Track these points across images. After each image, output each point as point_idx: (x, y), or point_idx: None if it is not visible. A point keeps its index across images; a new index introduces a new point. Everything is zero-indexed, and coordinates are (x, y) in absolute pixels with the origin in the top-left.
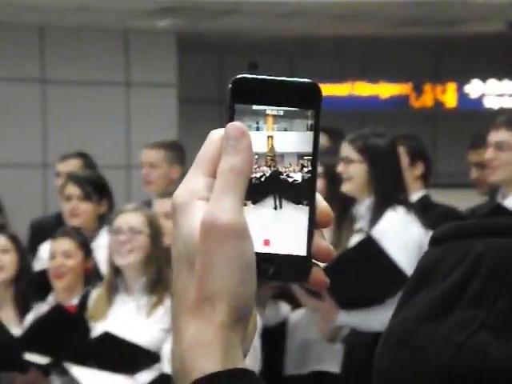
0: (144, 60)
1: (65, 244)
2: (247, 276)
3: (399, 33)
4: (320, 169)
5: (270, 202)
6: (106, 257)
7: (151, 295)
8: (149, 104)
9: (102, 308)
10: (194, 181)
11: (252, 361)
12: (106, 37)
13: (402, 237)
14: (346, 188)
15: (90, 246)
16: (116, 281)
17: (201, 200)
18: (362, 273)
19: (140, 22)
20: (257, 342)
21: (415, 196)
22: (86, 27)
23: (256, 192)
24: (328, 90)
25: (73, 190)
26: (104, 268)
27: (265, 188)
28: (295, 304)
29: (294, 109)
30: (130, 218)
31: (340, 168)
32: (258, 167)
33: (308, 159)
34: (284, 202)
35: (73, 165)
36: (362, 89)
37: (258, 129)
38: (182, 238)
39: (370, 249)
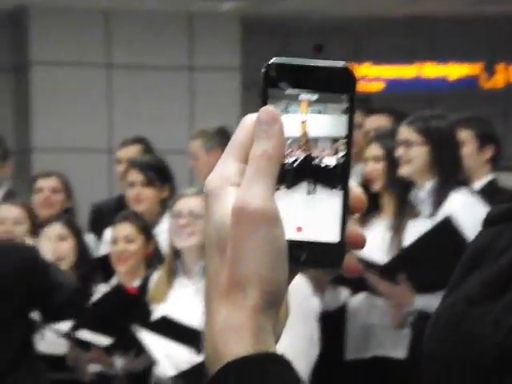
0: (208, 44)
1: (126, 229)
2: (278, 261)
3: (474, 11)
4: (380, 152)
5: (303, 187)
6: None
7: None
8: (212, 88)
9: (162, 291)
10: (226, 166)
11: (309, 345)
12: (170, 21)
13: (470, 218)
14: (405, 171)
15: (150, 230)
16: (176, 264)
17: (232, 186)
18: (440, 255)
19: (204, 5)
20: (315, 327)
21: (483, 180)
22: (151, 12)
23: (289, 177)
24: (395, 71)
25: (136, 176)
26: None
27: (298, 173)
28: (355, 288)
29: (328, 93)
30: (190, 202)
31: (399, 151)
32: (291, 152)
33: (342, 143)
34: (317, 188)
35: (133, 150)
36: (430, 70)
37: (291, 113)
38: (214, 224)
39: (448, 231)
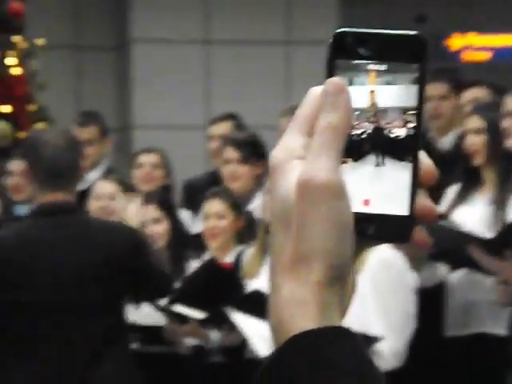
0: (305, 17)
1: (216, 205)
2: (344, 235)
3: None
4: (481, 124)
5: (371, 159)
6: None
7: None
8: (310, 63)
9: (255, 267)
10: (291, 140)
11: (405, 320)
12: None
13: None
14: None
15: (241, 206)
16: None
17: (297, 159)
18: None
19: None
20: (411, 301)
21: None
22: None
23: (357, 149)
24: (503, 40)
25: (231, 153)
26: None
27: (366, 145)
28: (454, 265)
29: (398, 62)
30: None
31: (506, 123)
32: (359, 123)
33: (412, 114)
34: (386, 159)
35: (224, 127)
36: None
37: (359, 84)
38: (279, 198)
39: None
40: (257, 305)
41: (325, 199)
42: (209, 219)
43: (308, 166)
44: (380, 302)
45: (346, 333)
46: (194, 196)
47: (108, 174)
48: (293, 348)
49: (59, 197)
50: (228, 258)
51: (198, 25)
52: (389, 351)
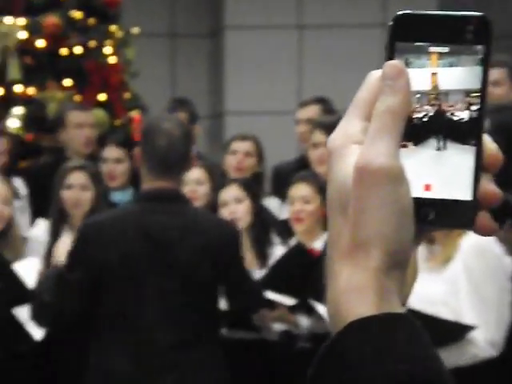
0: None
1: (303, 189)
2: (403, 221)
3: None
4: None
5: (432, 143)
6: None
7: None
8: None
9: None
10: (350, 124)
11: (500, 308)
12: None
13: None
14: None
15: None
16: None
17: (356, 144)
18: None
19: None
20: (506, 289)
21: None
22: None
23: (418, 133)
24: None
25: (320, 137)
26: None
27: (427, 128)
28: None
29: (461, 44)
30: None
31: None
32: (421, 106)
33: (476, 96)
34: (448, 143)
35: (312, 111)
36: None
37: (420, 67)
38: (336, 183)
39: None
40: None
41: (383, 184)
42: (295, 203)
43: (366, 151)
44: (475, 290)
45: (405, 320)
46: (282, 182)
47: (198, 159)
48: (350, 335)
49: (167, 185)
50: (315, 244)
51: (291, 10)
52: (484, 340)
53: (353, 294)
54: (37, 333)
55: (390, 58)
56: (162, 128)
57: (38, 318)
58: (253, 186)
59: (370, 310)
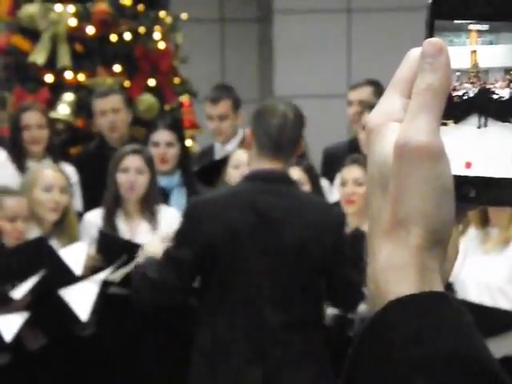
0: None
1: (355, 172)
2: (443, 199)
3: None
4: None
5: (473, 120)
6: None
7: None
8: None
9: None
10: (389, 102)
11: None
12: None
13: None
14: None
15: None
16: None
17: (395, 122)
18: None
19: None
20: None
21: None
22: None
23: (458, 111)
24: None
25: None
26: None
27: (468, 106)
28: None
29: (502, 21)
30: None
31: None
32: (460, 84)
33: None
34: (489, 121)
35: (364, 93)
36: None
37: (460, 45)
38: (376, 161)
39: None
40: None
41: (424, 162)
42: (347, 185)
43: (406, 128)
44: None
45: (446, 298)
46: (333, 164)
47: (244, 143)
48: (391, 314)
49: (276, 166)
50: (366, 227)
51: None
52: None
53: (393, 272)
54: (83, 314)
55: (430, 36)
56: (277, 110)
57: (141, 293)
58: (313, 170)
59: (411, 289)
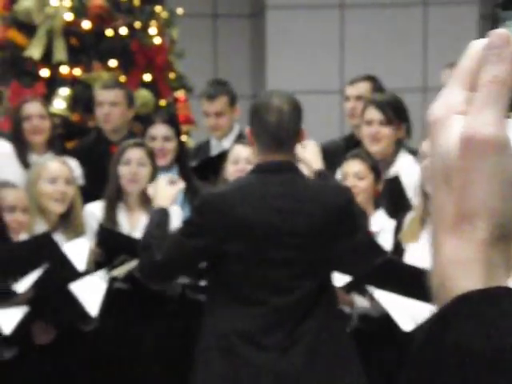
0: None
1: (356, 166)
2: (510, 192)
3: None
4: None
5: None
6: (410, 182)
7: None
8: (447, 23)
9: (415, 231)
10: (452, 94)
11: None
12: None
13: None
14: None
15: (380, 170)
16: (428, 206)
17: (459, 114)
18: None
19: None
20: None
21: None
22: None
23: None
24: None
25: (374, 114)
26: (409, 193)
27: None
28: None
29: None
30: None
31: None
32: None
33: None
34: None
35: (362, 88)
36: None
37: None
38: (439, 154)
39: None
40: (390, 275)
41: (490, 154)
42: (348, 179)
43: (472, 121)
44: None
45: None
46: (330, 160)
47: (240, 138)
48: (457, 309)
49: (280, 158)
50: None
51: None
52: None
53: (459, 266)
54: (93, 310)
55: (495, 27)
56: (272, 104)
57: (147, 274)
58: None
59: (477, 284)
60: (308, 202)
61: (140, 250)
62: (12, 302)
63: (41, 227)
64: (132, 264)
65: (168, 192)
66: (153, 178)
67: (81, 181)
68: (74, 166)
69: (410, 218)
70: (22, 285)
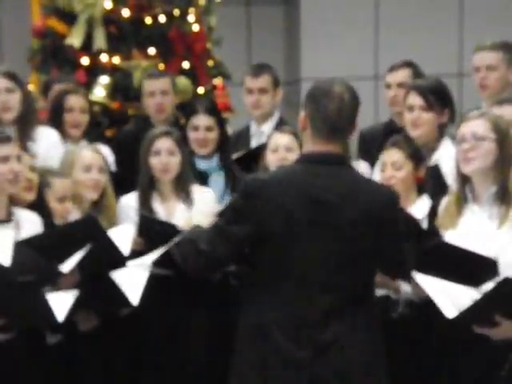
0: None
1: (394, 155)
2: None
3: None
4: None
5: None
6: (449, 167)
7: (501, 204)
8: (486, 7)
9: (452, 217)
10: None
11: None
12: None
13: None
14: None
15: (421, 156)
16: (465, 190)
17: None
18: None
19: None
20: None
21: None
22: None
23: None
24: None
25: (416, 99)
26: (448, 178)
27: None
28: None
29: None
30: (473, 125)
31: None
32: None
33: None
34: None
35: (401, 74)
36: None
37: None
38: None
39: None
40: (444, 256)
41: None
42: (386, 169)
43: None
44: None
45: None
46: (369, 147)
47: (280, 125)
48: None
49: (331, 148)
50: (409, 211)
51: None
52: None
53: None
54: (134, 298)
55: None
56: (333, 92)
57: (189, 262)
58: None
59: None
60: (352, 198)
61: (181, 242)
62: (60, 285)
63: (73, 215)
64: (166, 247)
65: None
66: (184, 164)
67: (113, 168)
68: (107, 154)
69: (445, 202)
70: (68, 264)
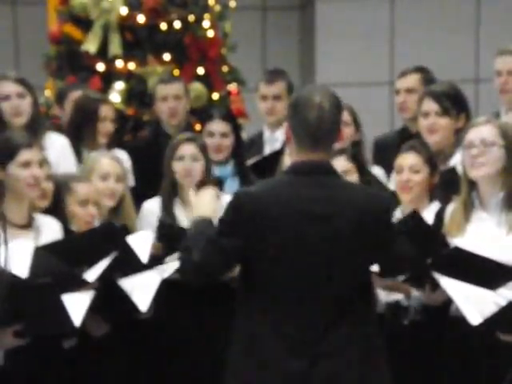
0: None
1: (412, 159)
2: None
3: None
4: None
5: None
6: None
7: (509, 211)
8: (501, 11)
9: (459, 223)
10: None
11: None
12: None
13: None
14: None
15: (436, 162)
16: (472, 196)
17: None
18: None
19: None
20: None
21: None
22: None
23: None
24: None
25: (431, 106)
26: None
27: None
28: None
29: None
30: (481, 131)
31: None
32: None
33: None
34: None
35: (412, 80)
36: None
37: None
38: None
39: None
40: (458, 262)
41: None
42: (403, 172)
43: None
44: None
45: None
46: (385, 154)
47: None
48: None
49: (317, 157)
50: (423, 214)
51: None
52: None
53: None
54: (143, 305)
55: None
56: (313, 101)
57: (186, 274)
58: (360, 157)
59: None
60: (341, 207)
61: (180, 250)
62: (80, 290)
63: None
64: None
65: (213, 205)
66: (208, 171)
67: (131, 173)
68: (125, 159)
69: (451, 208)
70: (93, 273)
